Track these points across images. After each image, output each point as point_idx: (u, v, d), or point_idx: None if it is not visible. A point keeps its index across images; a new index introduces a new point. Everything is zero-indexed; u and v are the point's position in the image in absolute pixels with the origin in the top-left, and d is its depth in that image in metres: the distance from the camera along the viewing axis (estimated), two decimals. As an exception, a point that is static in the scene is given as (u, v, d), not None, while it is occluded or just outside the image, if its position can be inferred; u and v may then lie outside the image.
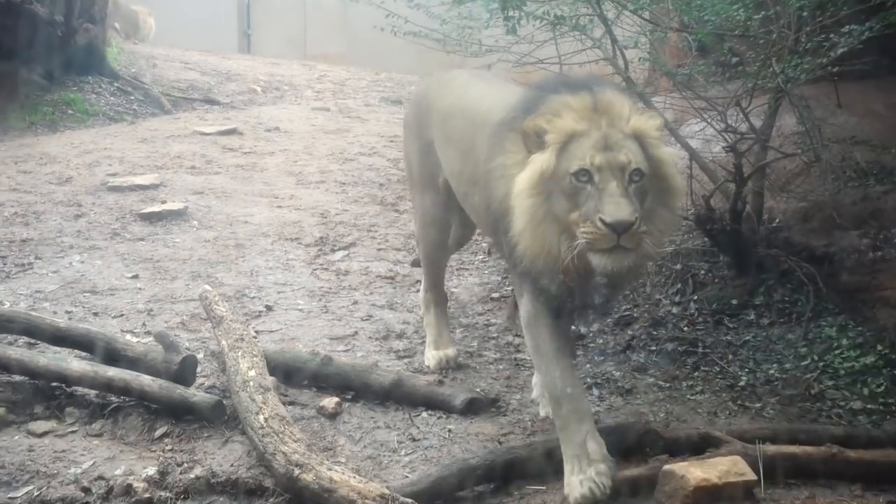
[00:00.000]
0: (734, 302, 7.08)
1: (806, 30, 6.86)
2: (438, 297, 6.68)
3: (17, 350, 5.95)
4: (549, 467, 5.07)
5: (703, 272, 7.34)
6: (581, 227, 4.30)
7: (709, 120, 7.36)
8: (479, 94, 5.91)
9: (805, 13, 6.79)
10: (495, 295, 7.43)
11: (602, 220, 4.18)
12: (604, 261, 4.31)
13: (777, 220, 7.43)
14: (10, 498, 4.88)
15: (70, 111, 12.04)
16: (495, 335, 6.84)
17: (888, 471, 5.13)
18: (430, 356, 6.43)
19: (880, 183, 7.42)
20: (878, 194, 7.34)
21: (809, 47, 6.87)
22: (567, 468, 4.76)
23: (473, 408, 5.79)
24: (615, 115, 4.53)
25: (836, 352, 6.40)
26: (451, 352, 6.47)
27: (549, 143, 4.46)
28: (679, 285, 7.27)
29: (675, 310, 7.09)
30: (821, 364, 6.34)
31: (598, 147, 4.35)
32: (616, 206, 4.18)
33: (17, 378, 5.77)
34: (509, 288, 7.24)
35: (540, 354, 5.12)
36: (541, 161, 4.46)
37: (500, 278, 7.69)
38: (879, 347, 6.31)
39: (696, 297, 7.09)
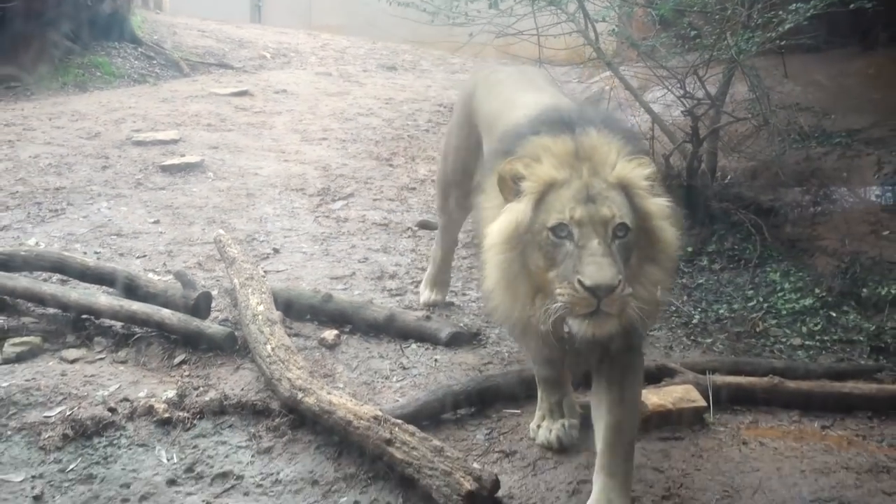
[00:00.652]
0: (689, 249, 7.07)
1: (757, 6, 6.87)
2: (449, 242, 6.32)
3: (51, 286, 5.93)
4: (523, 393, 5.08)
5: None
6: (558, 289, 3.51)
7: (669, 87, 7.38)
8: (520, 102, 4.85)
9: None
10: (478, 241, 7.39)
11: (581, 283, 3.40)
12: (583, 327, 3.53)
13: (728, 177, 7.42)
14: (45, 417, 4.86)
15: (98, 73, 11.99)
16: (477, 277, 6.81)
17: (822, 399, 5.16)
18: (424, 294, 6.28)
19: (821, 145, 7.45)
20: (818, 155, 7.36)
21: (760, 23, 6.86)
22: (545, 416, 4.60)
23: (457, 341, 5.78)
24: (599, 161, 3.69)
25: (779, 294, 6.44)
26: (439, 297, 6.28)
27: (526, 193, 3.67)
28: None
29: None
30: (765, 305, 6.38)
31: (580, 199, 3.56)
32: (597, 268, 3.40)
33: (51, 310, 5.74)
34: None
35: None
36: (516, 212, 3.68)
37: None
38: (817, 291, 6.36)
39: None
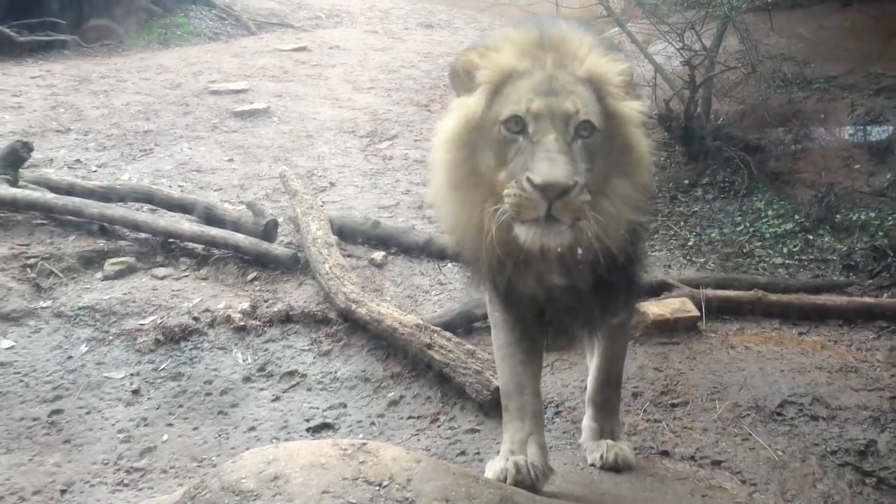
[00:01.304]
0: (686, 182, 7.10)
1: (748, -31, 6.80)
2: None
3: (143, 214, 5.99)
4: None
5: (662, 159, 7.33)
6: (506, 189, 2.58)
7: (670, 40, 7.31)
8: None
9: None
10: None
11: (529, 180, 2.50)
12: (530, 234, 2.58)
13: (721, 119, 7.38)
14: (140, 324, 4.98)
15: (178, 32, 11.94)
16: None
17: (800, 310, 5.21)
18: None
19: (802, 90, 7.41)
20: (799, 99, 7.33)
21: (751, -17, 6.82)
22: (500, 458, 3.05)
23: (486, 260, 5.82)
24: (567, 53, 2.70)
25: (763, 220, 6.44)
26: None
27: (480, 83, 2.68)
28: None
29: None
30: (751, 229, 6.38)
31: (539, 91, 2.60)
32: (549, 164, 2.48)
33: (143, 235, 5.82)
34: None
35: (496, 348, 3.34)
36: (466, 106, 2.69)
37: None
38: (797, 217, 6.36)
39: (657, 178, 7.09)
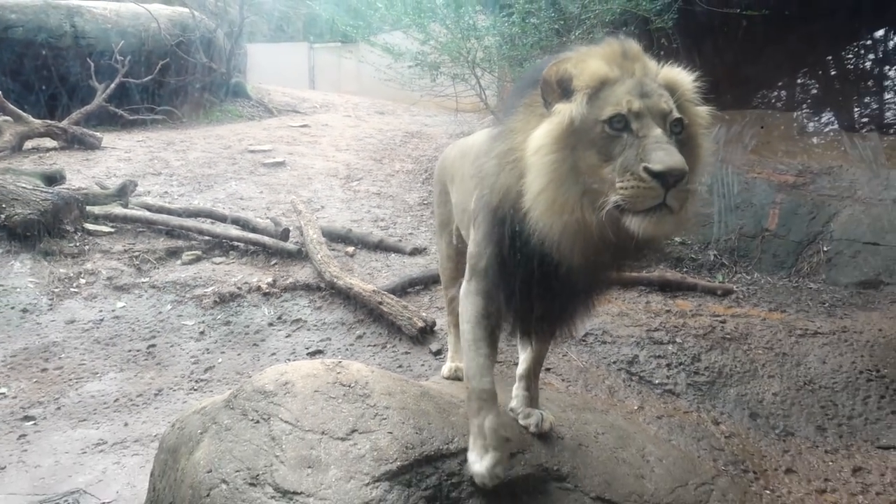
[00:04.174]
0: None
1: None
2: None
3: (206, 225, 5.85)
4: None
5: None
6: (619, 181, 1.70)
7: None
8: (475, 138, 2.75)
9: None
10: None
11: (648, 170, 1.67)
12: (644, 223, 1.69)
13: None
14: (204, 291, 4.86)
15: (229, 115, 11.68)
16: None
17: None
18: (445, 370, 3.18)
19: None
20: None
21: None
22: (470, 441, 2.12)
23: (416, 252, 5.79)
24: (646, 63, 1.92)
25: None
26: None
27: (578, 90, 1.79)
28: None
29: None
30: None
31: (635, 93, 1.79)
32: (666, 153, 1.68)
33: (206, 238, 5.68)
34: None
35: (466, 340, 2.21)
36: (568, 109, 1.77)
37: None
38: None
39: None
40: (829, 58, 7.46)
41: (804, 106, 7.55)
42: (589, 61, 1.83)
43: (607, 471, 2.73)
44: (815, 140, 6.89)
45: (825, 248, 5.45)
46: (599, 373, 3.88)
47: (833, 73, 7.60)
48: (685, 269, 5.64)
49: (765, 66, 7.25)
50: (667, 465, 2.98)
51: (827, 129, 7.10)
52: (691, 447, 3.27)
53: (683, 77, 1.93)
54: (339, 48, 16.88)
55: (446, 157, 3.07)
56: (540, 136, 1.79)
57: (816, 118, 7.37)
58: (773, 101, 7.78)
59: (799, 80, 7.74)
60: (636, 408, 3.60)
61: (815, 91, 7.69)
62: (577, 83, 1.80)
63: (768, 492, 3.11)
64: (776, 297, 5.05)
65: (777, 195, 5.87)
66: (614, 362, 3.99)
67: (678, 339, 4.18)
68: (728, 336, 4.20)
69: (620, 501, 2.64)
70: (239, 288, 4.90)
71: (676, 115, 1.81)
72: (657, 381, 3.86)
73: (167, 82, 10.95)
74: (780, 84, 7.78)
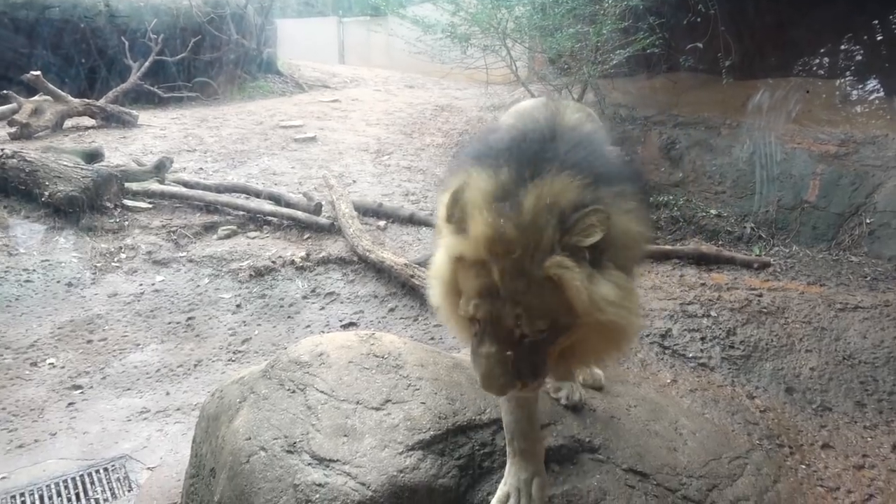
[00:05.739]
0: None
1: (598, 53, 6.75)
2: None
3: (240, 200, 5.91)
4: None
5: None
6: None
7: (553, 96, 7.28)
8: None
9: (598, 42, 6.68)
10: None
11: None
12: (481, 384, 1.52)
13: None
14: (240, 265, 4.92)
15: (260, 90, 11.71)
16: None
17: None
18: None
19: (630, 124, 7.31)
20: (629, 130, 7.26)
21: (600, 60, 6.77)
22: (512, 494, 1.92)
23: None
24: (532, 241, 1.42)
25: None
26: None
27: (468, 238, 1.48)
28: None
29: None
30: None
31: (485, 294, 1.46)
32: (486, 377, 1.50)
33: (241, 213, 5.75)
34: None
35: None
36: (452, 251, 1.52)
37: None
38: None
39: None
40: (876, 22, 7.14)
41: (848, 73, 7.27)
42: (473, 218, 1.46)
43: (639, 443, 2.73)
44: (858, 108, 6.65)
45: (868, 221, 5.29)
46: (632, 346, 3.86)
47: (879, 37, 7.27)
48: (721, 242, 5.54)
49: (808, 30, 6.99)
50: (700, 439, 2.96)
51: (872, 97, 6.84)
52: (725, 421, 3.24)
53: (569, 267, 1.42)
54: (368, 22, 16.71)
55: None
56: (435, 265, 1.61)
57: (861, 85, 7.09)
58: (816, 67, 7.51)
59: (843, 46, 7.44)
60: (669, 381, 3.58)
61: (859, 57, 7.38)
62: (444, 241, 1.55)
63: (804, 466, 3.07)
64: (815, 270, 4.92)
65: (818, 166, 5.70)
66: (647, 336, 3.96)
67: (713, 313, 4.12)
68: (765, 310, 4.12)
69: (652, 473, 2.63)
70: (273, 262, 4.96)
71: (527, 329, 1.46)
72: (691, 355, 3.82)
73: (200, 59, 11.02)
74: (823, 50, 7.49)
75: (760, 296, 4.28)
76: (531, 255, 1.43)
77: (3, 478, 2.84)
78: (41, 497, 2.76)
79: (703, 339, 3.93)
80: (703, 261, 5.01)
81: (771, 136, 6.03)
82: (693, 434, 2.98)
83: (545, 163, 1.52)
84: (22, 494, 2.76)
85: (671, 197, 6.21)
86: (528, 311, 1.45)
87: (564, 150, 1.56)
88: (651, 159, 6.92)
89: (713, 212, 5.93)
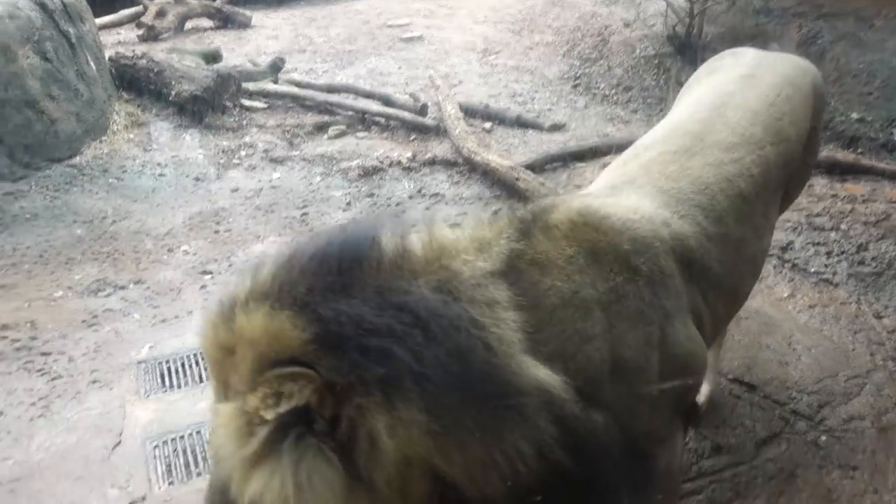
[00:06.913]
0: (683, 78, 6.58)
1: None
2: None
3: (349, 100, 5.96)
4: (589, 155, 5.00)
5: (667, 63, 6.77)
6: None
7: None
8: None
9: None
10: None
11: None
12: None
13: (709, 37, 6.74)
14: (349, 165, 5.06)
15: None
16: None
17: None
18: None
19: (766, 17, 6.62)
20: (764, 23, 6.57)
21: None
22: None
23: (554, 128, 5.60)
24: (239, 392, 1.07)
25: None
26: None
27: None
28: (654, 70, 6.74)
29: (652, 82, 6.61)
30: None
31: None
32: None
33: (350, 113, 5.80)
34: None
35: None
36: None
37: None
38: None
39: (664, 76, 6.61)
40: None
41: None
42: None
43: (749, 355, 2.65)
44: None
45: None
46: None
47: None
48: (860, 150, 5.02)
49: None
50: (815, 355, 2.83)
51: None
52: (846, 339, 3.05)
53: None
54: None
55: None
56: None
57: None
58: None
59: None
60: (786, 296, 3.39)
61: None
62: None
63: (932, 391, 2.87)
64: (972, 183, 4.38)
65: None
66: (765, 248, 3.73)
67: (843, 226, 3.80)
68: (905, 225, 3.75)
69: (760, 385, 2.57)
70: (381, 162, 5.05)
71: None
72: (813, 270, 3.58)
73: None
74: None
75: (902, 209, 3.89)
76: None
77: (151, 346, 3.23)
78: (182, 364, 3.11)
79: (828, 253, 3.66)
80: (836, 169, 4.58)
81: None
82: (808, 350, 2.86)
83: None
84: (167, 361, 3.14)
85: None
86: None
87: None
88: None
89: (854, 115, 5.33)
